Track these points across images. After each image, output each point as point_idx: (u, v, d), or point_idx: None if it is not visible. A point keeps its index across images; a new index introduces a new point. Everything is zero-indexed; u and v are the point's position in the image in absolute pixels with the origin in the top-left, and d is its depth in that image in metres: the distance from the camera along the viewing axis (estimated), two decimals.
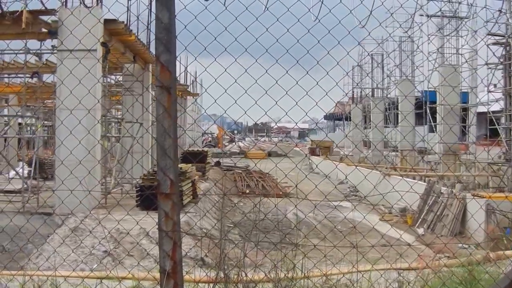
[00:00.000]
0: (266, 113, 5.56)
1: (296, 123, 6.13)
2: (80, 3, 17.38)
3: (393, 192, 16.08)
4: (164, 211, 4.07)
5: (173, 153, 4.04)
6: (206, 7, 4.59)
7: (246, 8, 4.75)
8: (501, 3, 25.88)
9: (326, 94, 5.65)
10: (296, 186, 6.65)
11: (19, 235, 12.42)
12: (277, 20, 5.16)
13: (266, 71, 5.40)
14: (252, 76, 5.28)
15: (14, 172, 22.85)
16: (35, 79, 22.35)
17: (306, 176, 7.64)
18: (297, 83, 5.42)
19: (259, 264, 7.00)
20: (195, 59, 5.46)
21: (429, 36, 32.30)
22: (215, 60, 5.41)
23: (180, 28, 4.67)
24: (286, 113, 5.61)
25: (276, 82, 5.39)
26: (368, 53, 48.85)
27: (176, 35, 4.11)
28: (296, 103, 5.43)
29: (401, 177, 26.28)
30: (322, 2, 4.92)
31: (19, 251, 12.21)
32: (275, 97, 5.44)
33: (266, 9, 4.88)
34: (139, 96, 23.54)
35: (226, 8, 4.69)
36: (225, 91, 5.31)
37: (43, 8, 18.22)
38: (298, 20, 5.05)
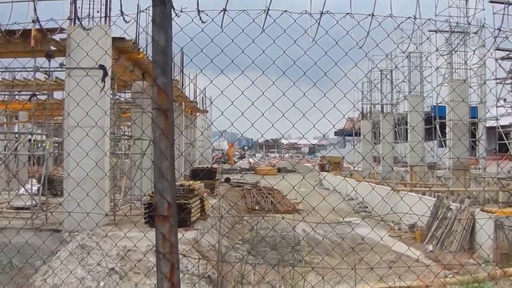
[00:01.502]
0: (273, 125, 5.58)
1: (303, 135, 6.10)
2: (85, 27, 17.46)
3: (402, 207, 16.00)
4: (162, 233, 4.08)
5: (170, 176, 4.05)
6: (202, 30, 4.63)
7: (243, 30, 4.78)
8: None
9: (334, 106, 5.68)
10: (303, 199, 6.65)
11: (28, 251, 12.48)
12: (284, 31, 5.21)
13: (273, 83, 5.44)
14: (261, 90, 5.32)
15: (24, 189, 22.96)
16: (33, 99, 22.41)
17: (314, 189, 7.65)
18: (304, 94, 5.45)
19: (261, 281, 7.01)
20: (201, 71, 5.51)
21: (438, 50, 32.27)
22: (222, 72, 5.47)
23: (186, 45, 4.74)
24: (293, 125, 5.63)
25: (283, 94, 5.44)
26: (375, 66, 48.92)
27: (172, 57, 4.14)
28: (303, 115, 5.46)
29: (410, 193, 26.22)
30: (318, 24, 4.94)
31: (27, 267, 12.27)
32: (287, 109, 5.46)
33: (262, 31, 4.92)
34: (143, 113, 23.59)
35: (222, 30, 4.73)
36: (232, 103, 5.35)
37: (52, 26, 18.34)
38: (295, 40, 5.07)
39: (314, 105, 5.37)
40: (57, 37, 18.55)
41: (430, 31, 33.59)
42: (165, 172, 4.03)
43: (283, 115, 5.39)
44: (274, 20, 5.00)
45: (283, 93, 5.31)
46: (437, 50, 33.35)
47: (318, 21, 5.05)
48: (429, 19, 6.69)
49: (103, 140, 16.47)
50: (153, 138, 4.03)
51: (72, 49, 17.39)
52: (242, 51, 4.93)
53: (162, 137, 4.01)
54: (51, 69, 19.93)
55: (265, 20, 4.98)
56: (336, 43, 5.17)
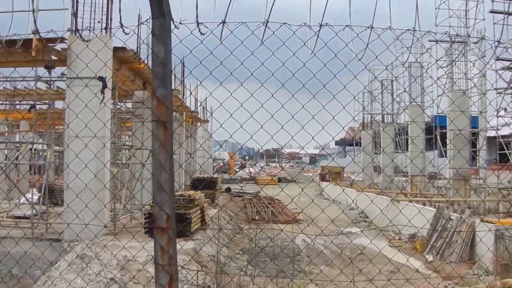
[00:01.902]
0: (272, 137, 5.58)
1: (302, 147, 6.11)
2: (87, 37, 17.47)
3: (403, 218, 15.99)
4: (160, 245, 4.08)
5: (169, 188, 4.06)
6: (201, 42, 4.64)
7: (242, 43, 4.79)
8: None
9: (333, 118, 5.68)
10: (302, 211, 6.64)
11: (27, 261, 12.47)
12: (283, 44, 5.22)
13: (272, 95, 5.44)
14: (261, 99, 5.33)
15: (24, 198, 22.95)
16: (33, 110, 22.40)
17: (313, 201, 7.65)
18: (303, 107, 5.45)
19: None
20: (200, 83, 5.54)
21: (438, 61, 32.31)
22: (221, 84, 5.47)
23: (186, 56, 4.75)
24: (292, 137, 5.64)
25: (282, 106, 5.43)
26: (375, 78, 49.01)
27: (171, 69, 4.15)
28: (302, 127, 5.47)
29: (410, 203, 26.19)
30: (317, 36, 4.95)
31: (27, 277, 12.27)
32: (286, 121, 5.46)
33: (262, 43, 4.93)
34: (143, 123, 23.58)
35: (221, 42, 4.74)
36: (231, 115, 5.36)
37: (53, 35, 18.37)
38: (294, 53, 5.08)
39: (313, 117, 5.37)
40: (59, 46, 18.57)
41: (430, 41, 33.66)
42: (164, 184, 4.03)
43: (282, 127, 5.39)
44: (273, 33, 5.01)
45: (282, 106, 5.30)
46: (436, 62, 33.43)
47: (317, 34, 5.07)
48: (428, 31, 6.66)
49: (103, 151, 16.46)
50: (152, 150, 4.03)
51: (73, 59, 17.44)
52: (241, 63, 4.95)
53: (161, 149, 4.01)
54: (52, 79, 19.95)
55: (264, 32, 5.00)
56: (335, 55, 5.19)
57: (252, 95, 5.19)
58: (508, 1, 27.69)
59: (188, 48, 4.76)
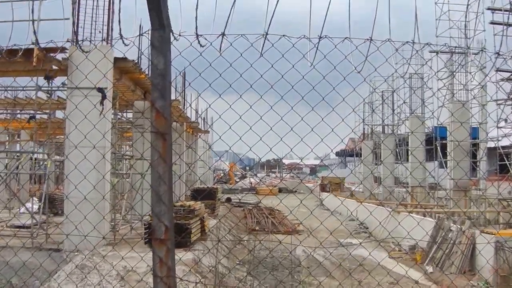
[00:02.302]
0: (271, 149, 5.59)
1: (301, 160, 6.14)
2: (87, 47, 17.48)
3: (402, 229, 15.95)
4: (159, 257, 4.08)
5: (167, 199, 4.06)
6: (201, 54, 4.65)
7: (241, 55, 4.80)
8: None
9: (332, 130, 5.68)
10: (301, 223, 6.64)
11: (27, 271, 12.44)
12: (282, 56, 5.23)
13: (271, 107, 5.45)
14: (261, 111, 5.34)
15: (24, 208, 22.94)
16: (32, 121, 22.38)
17: (312, 213, 7.64)
18: (302, 119, 5.45)
19: None
20: (199, 95, 5.56)
21: (438, 72, 32.37)
22: (220, 96, 5.48)
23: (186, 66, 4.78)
24: (291, 150, 5.64)
25: (281, 118, 5.43)
26: (374, 90, 49.17)
27: (171, 80, 4.16)
28: (301, 139, 5.46)
29: (410, 214, 26.14)
30: (317, 48, 4.96)
31: (26, 287, 12.23)
32: (286, 132, 5.46)
33: (261, 55, 4.94)
34: (143, 134, 23.58)
35: (220, 54, 4.75)
36: (230, 128, 5.36)
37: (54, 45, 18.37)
38: (293, 65, 5.09)
39: (312, 130, 5.37)
40: (60, 56, 18.59)
41: (430, 52, 33.74)
42: (162, 196, 4.04)
43: (281, 139, 5.39)
44: (273, 45, 5.03)
45: (281, 118, 5.31)
46: (435, 74, 33.48)
47: (316, 46, 5.08)
48: (427, 44, 6.68)
49: (103, 161, 16.44)
50: (151, 161, 4.04)
51: (73, 70, 17.46)
52: (240, 76, 4.96)
53: (160, 161, 4.02)
54: (52, 89, 19.98)
55: (263, 44, 5.01)
56: (334, 67, 5.20)
57: (251, 107, 5.20)
58: (507, 13, 27.75)
59: (187, 60, 4.78)
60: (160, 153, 4.03)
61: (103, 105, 16.73)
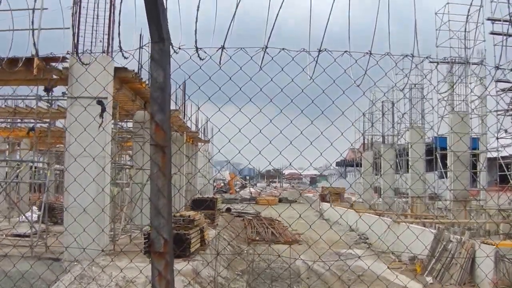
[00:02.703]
0: (270, 163, 5.59)
1: (301, 174, 6.12)
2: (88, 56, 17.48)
3: (403, 240, 15.93)
4: (158, 270, 4.06)
5: (166, 213, 4.05)
6: (200, 67, 4.66)
7: (240, 68, 4.81)
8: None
9: (331, 144, 5.68)
10: (300, 237, 6.63)
11: (26, 281, 12.39)
12: (282, 69, 5.23)
13: (271, 121, 5.44)
14: (260, 123, 5.35)
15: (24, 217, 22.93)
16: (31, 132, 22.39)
17: (310, 227, 7.63)
18: (301, 132, 5.45)
19: None
20: (198, 108, 5.56)
21: (438, 83, 32.43)
22: (219, 110, 5.47)
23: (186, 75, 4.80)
24: (290, 164, 5.65)
25: (281, 132, 5.42)
26: (373, 104, 49.33)
27: (170, 93, 4.16)
28: (300, 153, 5.46)
29: (411, 224, 26.10)
30: (316, 62, 4.97)
31: None
32: (285, 144, 5.46)
33: (260, 69, 4.94)
34: (142, 146, 23.57)
35: (220, 68, 4.76)
36: (229, 141, 5.37)
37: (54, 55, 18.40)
38: (292, 79, 5.09)
39: (311, 144, 5.37)
40: (60, 65, 18.62)
41: (430, 62, 33.79)
42: (161, 209, 4.02)
43: (280, 153, 5.40)
44: (272, 58, 5.03)
45: (280, 131, 5.31)
46: (435, 88, 33.63)
47: (316, 59, 5.08)
48: (427, 57, 6.68)
49: (103, 172, 16.41)
50: (150, 174, 4.02)
51: (73, 82, 17.43)
52: (240, 89, 4.96)
53: (159, 174, 4.00)
54: (53, 98, 19.99)
55: (263, 58, 5.01)
56: (334, 81, 5.21)
57: (250, 120, 5.20)
58: (507, 23, 27.80)
59: (187, 73, 4.78)
60: (160, 166, 4.02)
61: (102, 117, 16.73)
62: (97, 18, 18.90)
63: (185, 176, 38.33)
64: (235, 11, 5.18)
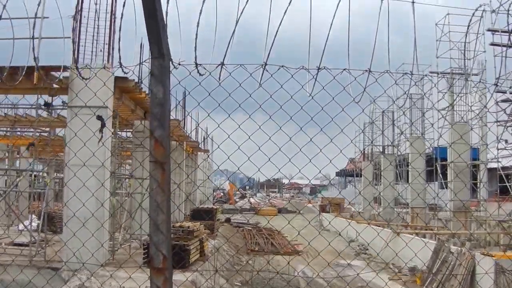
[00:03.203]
0: (270, 179, 5.61)
1: (301, 189, 6.13)
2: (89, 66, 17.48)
3: (403, 250, 15.93)
4: (156, 286, 4.06)
5: (165, 229, 4.04)
6: (200, 83, 4.66)
7: (240, 85, 4.81)
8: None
9: (330, 162, 5.70)
10: (301, 251, 6.63)
11: None
12: (281, 86, 5.24)
13: (270, 138, 5.44)
14: (260, 138, 5.35)
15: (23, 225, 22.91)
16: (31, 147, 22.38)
17: (311, 241, 7.62)
18: (300, 150, 5.45)
19: None
20: (198, 125, 5.55)
21: (439, 95, 32.52)
22: (219, 126, 5.47)
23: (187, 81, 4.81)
24: (289, 180, 5.65)
25: (279, 149, 5.43)
26: (370, 119, 49.48)
27: (170, 109, 4.16)
28: (299, 170, 5.45)
29: (411, 235, 26.08)
30: (315, 79, 4.98)
31: None
32: (287, 154, 5.45)
33: (260, 85, 4.95)
34: (141, 163, 23.57)
35: (219, 84, 4.76)
36: (228, 158, 5.37)
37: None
38: (292, 96, 5.10)
39: (310, 161, 5.38)
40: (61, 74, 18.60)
41: (431, 72, 33.83)
42: (160, 225, 4.02)
43: (279, 170, 5.40)
44: (272, 75, 5.04)
45: (279, 149, 5.31)
46: (433, 106, 33.73)
47: (315, 77, 5.09)
48: (425, 75, 6.72)
49: (103, 182, 16.38)
50: (150, 191, 4.02)
51: (73, 94, 17.38)
52: (239, 106, 4.97)
53: (158, 190, 4.00)
54: (54, 108, 19.98)
55: (262, 75, 5.02)
56: (333, 98, 5.21)
57: (249, 137, 5.19)
58: (507, 34, 27.84)
59: (187, 89, 4.80)
60: (159, 182, 4.02)
61: (102, 132, 16.73)
62: (98, 28, 18.93)
63: (184, 192, 38.35)
64: (234, 29, 5.20)
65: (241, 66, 4.87)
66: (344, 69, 5.13)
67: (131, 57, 20.29)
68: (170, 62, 4.20)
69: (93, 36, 18.93)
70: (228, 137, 5.11)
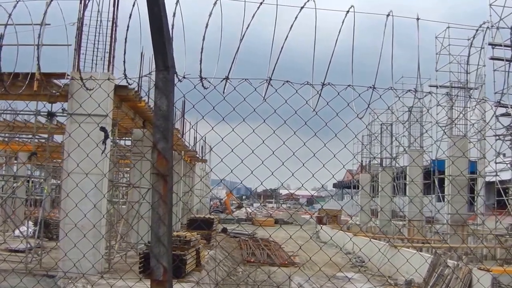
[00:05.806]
0: (268, 190, 5.61)
1: (299, 201, 6.13)
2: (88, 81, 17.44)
3: (399, 263, 15.87)
4: None
5: (167, 241, 4.04)
6: (204, 97, 4.67)
7: (244, 99, 4.82)
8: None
9: (333, 176, 5.72)
10: (299, 268, 6.62)
11: None
12: (285, 102, 5.25)
13: (273, 152, 5.45)
14: (263, 152, 5.35)
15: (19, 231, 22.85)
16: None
17: (307, 251, 7.62)
18: (303, 165, 5.47)
19: None
20: (202, 138, 5.58)
21: (437, 106, 32.49)
22: (222, 140, 5.47)
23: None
24: (290, 192, 5.66)
25: (283, 163, 5.44)
26: (369, 131, 49.55)
27: (173, 122, 4.17)
28: (300, 187, 5.46)
29: (407, 248, 26.03)
30: (320, 95, 4.99)
31: None
32: (288, 165, 5.45)
33: (264, 100, 4.96)
34: (141, 173, 23.52)
35: (224, 98, 4.77)
36: (231, 171, 5.37)
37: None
38: (296, 111, 5.10)
39: (313, 176, 5.39)
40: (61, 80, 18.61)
41: (430, 86, 33.93)
42: (162, 237, 4.01)
43: (282, 184, 5.41)
44: (276, 90, 5.04)
45: (283, 163, 5.32)
46: (436, 123, 33.83)
47: (319, 92, 5.10)
48: (429, 92, 6.75)
49: (100, 194, 16.33)
50: (152, 203, 4.02)
51: (75, 101, 17.34)
52: (243, 120, 4.99)
53: (160, 202, 4.00)
54: (54, 113, 19.95)
55: (266, 89, 5.03)
56: (337, 114, 5.24)
57: (253, 151, 5.20)
58: (508, 48, 27.92)
59: (191, 102, 4.79)
60: (161, 194, 4.02)
61: (105, 144, 16.71)
62: (99, 35, 18.92)
63: (182, 201, 38.29)
64: (239, 46, 5.20)
65: (246, 81, 4.87)
66: (349, 85, 5.14)
67: (132, 66, 20.30)
68: (175, 75, 4.20)
69: (94, 44, 18.93)
70: (232, 151, 5.11)
